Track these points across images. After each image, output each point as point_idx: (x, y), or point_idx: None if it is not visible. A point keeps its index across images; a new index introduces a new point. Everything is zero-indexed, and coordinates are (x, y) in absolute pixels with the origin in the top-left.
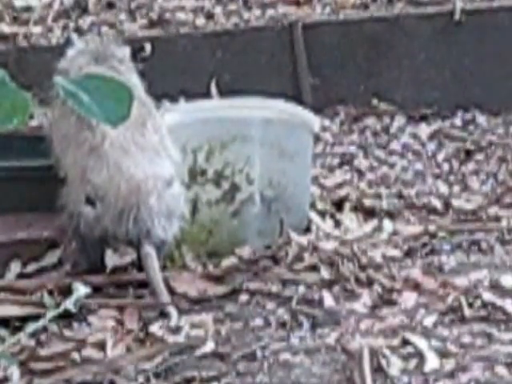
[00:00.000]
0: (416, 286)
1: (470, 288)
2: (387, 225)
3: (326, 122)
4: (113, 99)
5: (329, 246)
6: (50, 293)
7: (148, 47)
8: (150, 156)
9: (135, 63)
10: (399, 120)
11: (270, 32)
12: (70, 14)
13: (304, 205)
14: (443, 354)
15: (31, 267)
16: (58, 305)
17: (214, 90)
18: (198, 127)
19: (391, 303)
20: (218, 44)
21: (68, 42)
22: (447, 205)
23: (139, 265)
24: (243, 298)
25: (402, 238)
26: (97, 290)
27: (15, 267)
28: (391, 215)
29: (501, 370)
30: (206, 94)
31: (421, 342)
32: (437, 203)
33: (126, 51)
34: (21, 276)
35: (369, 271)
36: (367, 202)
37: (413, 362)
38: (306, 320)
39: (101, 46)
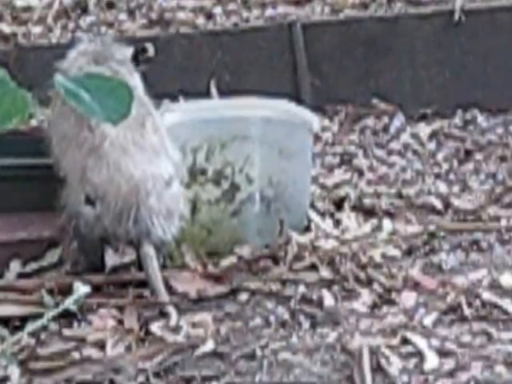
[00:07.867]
0: (416, 286)
1: (470, 287)
2: (387, 224)
3: (326, 122)
4: (113, 98)
5: (328, 245)
6: (50, 292)
7: (151, 48)
8: (150, 156)
9: (138, 65)
10: (399, 120)
11: (270, 32)
12: (70, 14)
13: (304, 204)
14: (443, 354)
15: (31, 267)
16: (57, 304)
17: (213, 89)
18: (198, 127)
19: (391, 303)
20: (217, 44)
21: (74, 42)
22: (447, 204)
23: (139, 264)
24: (243, 297)
25: (402, 237)
26: (97, 289)
27: (15, 267)
28: (391, 215)
29: (500, 369)
30: (206, 94)
31: (420, 342)
32: (436, 203)
33: (127, 52)
34: (21, 276)
35: (368, 271)
36: (367, 202)
37: (412, 362)
38: (305, 319)
39: (101, 47)
